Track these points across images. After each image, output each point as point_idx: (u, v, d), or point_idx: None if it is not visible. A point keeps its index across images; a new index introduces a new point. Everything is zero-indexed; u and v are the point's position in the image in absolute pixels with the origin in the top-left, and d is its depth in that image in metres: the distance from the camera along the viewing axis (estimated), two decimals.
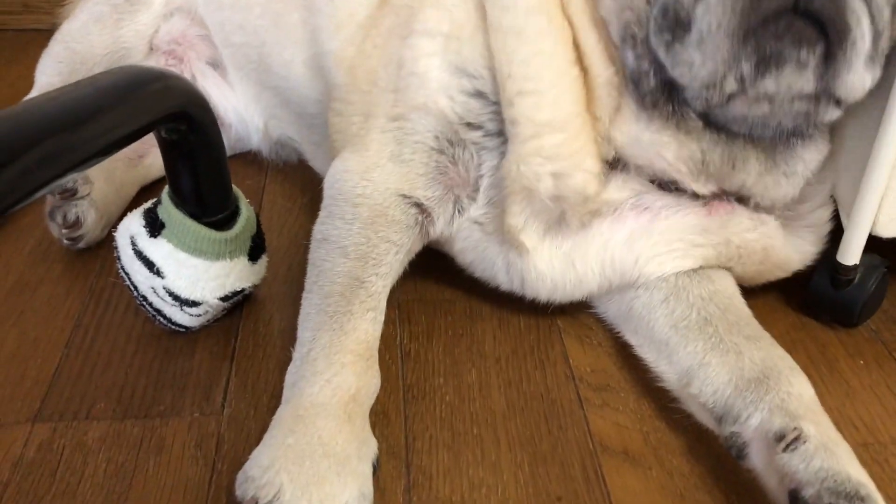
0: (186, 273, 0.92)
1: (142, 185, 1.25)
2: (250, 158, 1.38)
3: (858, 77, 0.80)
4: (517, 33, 0.88)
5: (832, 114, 0.85)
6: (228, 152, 1.32)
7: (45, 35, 1.38)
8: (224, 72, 1.29)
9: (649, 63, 0.85)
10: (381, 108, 0.99)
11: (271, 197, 1.29)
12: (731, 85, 0.80)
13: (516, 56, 0.88)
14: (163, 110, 0.78)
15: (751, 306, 0.99)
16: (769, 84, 0.79)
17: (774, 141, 0.88)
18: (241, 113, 1.30)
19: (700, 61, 0.79)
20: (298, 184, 1.31)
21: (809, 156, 0.91)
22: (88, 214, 1.10)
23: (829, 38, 0.77)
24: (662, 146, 0.88)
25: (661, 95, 0.86)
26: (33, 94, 1.30)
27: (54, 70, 1.28)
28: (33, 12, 1.82)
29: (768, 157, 0.89)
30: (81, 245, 1.12)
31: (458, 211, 0.97)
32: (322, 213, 0.97)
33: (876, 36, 0.80)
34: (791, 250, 0.98)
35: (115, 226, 0.99)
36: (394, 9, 1.04)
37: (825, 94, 0.81)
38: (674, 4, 0.81)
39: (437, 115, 0.94)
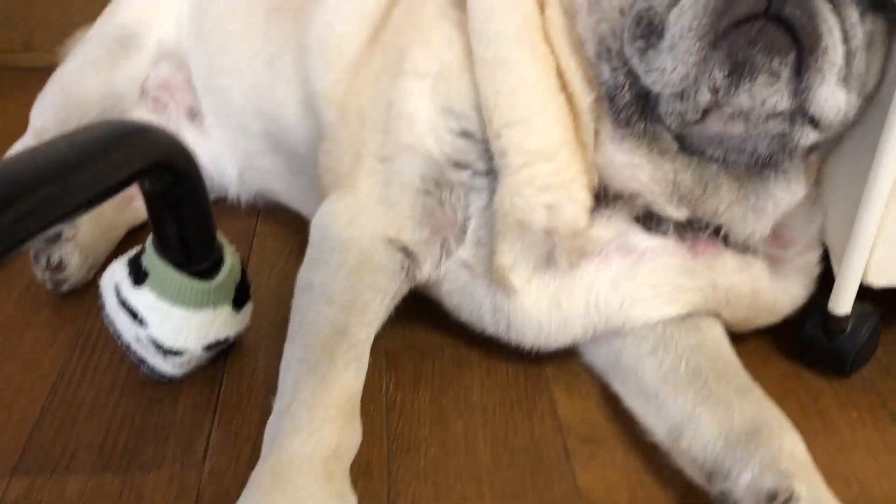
0: (169, 322, 0.91)
1: (130, 228, 1.24)
2: None
3: (831, 92, 0.80)
4: (502, 64, 0.89)
5: (808, 136, 0.84)
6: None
7: (44, 73, 1.39)
8: (201, 121, 1.29)
9: (625, 76, 0.85)
10: (370, 148, 0.99)
11: (262, 239, 1.29)
12: (704, 96, 0.80)
13: (503, 87, 0.89)
14: (144, 163, 0.78)
15: (742, 354, 0.98)
16: (743, 98, 0.79)
17: (749, 170, 0.88)
18: (216, 162, 1.30)
19: (672, 66, 0.80)
20: (291, 225, 1.30)
21: (781, 194, 0.91)
22: (72, 257, 1.09)
23: (801, 46, 0.77)
24: (636, 168, 0.88)
25: (636, 111, 0.86)
26: (27, 136, 1.31)
27: (49, 112, 1.29)
28: (33, 51, 1.84)
29: (741, 186, 0.89)
30: (66, 288, 1.11)
31: (446, 253, 0.97)
32: (307, 259, 0.97)
33: (849, 55, 0.80)
34: (780, 293, 0.97)
35: (102, 268, 0.99)
36: (383, 48, 1.04)
37: (800, 112, 0.81)
38: (647, 12, 0.82)
39: (425, 155, 0.94)
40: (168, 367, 0.96)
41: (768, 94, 0.79)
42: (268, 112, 1.21)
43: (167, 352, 0.94)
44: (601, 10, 0.86)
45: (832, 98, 0.80)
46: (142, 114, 1.29)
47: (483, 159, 0.92)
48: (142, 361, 0.96)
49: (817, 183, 0.97)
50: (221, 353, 1.02)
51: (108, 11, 1.35)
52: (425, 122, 0.93)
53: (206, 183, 1.28)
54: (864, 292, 0.97)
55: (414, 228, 0.94)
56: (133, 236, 1.25)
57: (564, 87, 0.89)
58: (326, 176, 1.06)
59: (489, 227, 0.93)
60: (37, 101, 1.32)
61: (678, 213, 0.90)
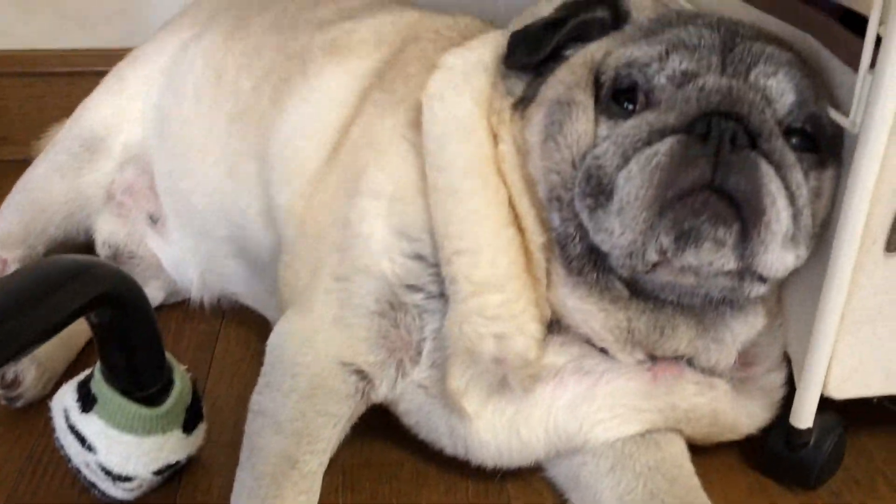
0: (118, 449, 0.90)
1: (90, 337, 1.23)
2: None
3: (777, 257, 0.80)
4: (452, 193, 0.90)
5: (758, 289, 0.84)
6: (172, 299, 1.33)
7: (21, 166, 1.39)
8: (163, 224, 1.29)
9: (575, 228, 0.85)
10: (327, 267, 0.99)
11: (225, 343, 1.27)
12: (652, 256, 0.80)
13: (452, 216, 0.89)
14: (87, 299, 0.77)
15: (707, 465, 0.97)
16: (691, 259, 0.79)
17: (705, 308, 0.88)
18: (178, 265, 1.29)
19: (619, 231, 0.80)
20: (255, 327, 1.29)
21: (738, 328, 0.90)
22: (28, 373, 1.08)
23: (744, 218, 0.78)
24: (588, 315, 0.87)
25: (588, 262, 0.86)
26: None
27: (14, 218, 1.28)
28: (11, 144, 1.84)
29: (698, 322, 0.89)
30: (21, 403, 1.09)
31: (402, 375, 0.96)
32: (260, 381, 0.95)
33: (796, 214, 0.81)
34: (741, 415, 0.96)
35: (61, 380, 0.97)
36: (341, 165, 1.05)
37: (748, 271, 0.81)
38: (597, 170, 0.82)
39: (379, 277, 0.94)
40: (118, 492, 0.94)
41: (714, 257, 0.79)
42: (230, 218, 1.21)
43: (116, 478, 0.92)
44: (552, 160, 0.86)
45: (778, 261, 0.81)
46: (107, 218, 1.30)
47: (436, 282, 0.92)
48: (92, 485, 0.95)
49: (779, 299, 0.97)
50: (177, 472, 1.00)
51: (76, 115, 1.36)
52: (380, 244, 0.93)
53: (168, 286, 1.31)
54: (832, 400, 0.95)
55: (369, 351, 0.93)
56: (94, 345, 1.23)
57: (517, 219, 0.89)
58: (285, 289, 1.06)
59: (443, 349, 0.92)
60: (2, 206, 1.32)
61: (631, 358, 0.90)
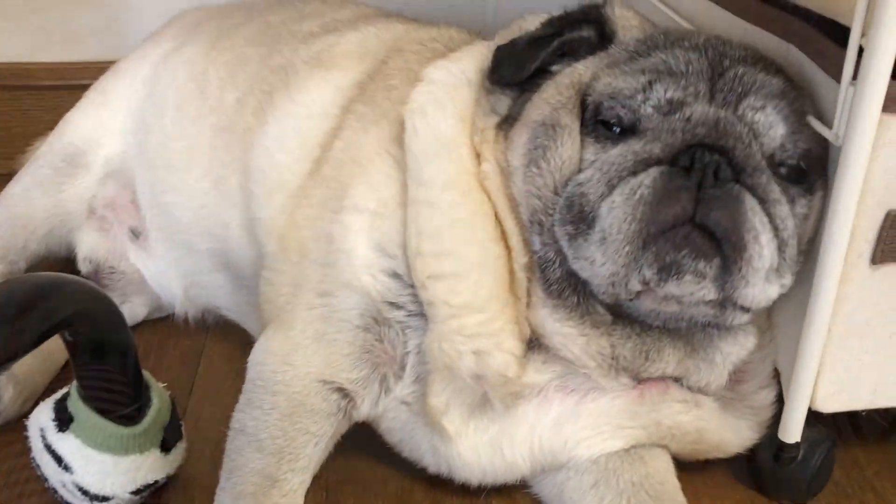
0: (95, 469, 0.89)
1: None
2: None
3: (759, 290, 0.79)
4: (428, 205, 0.88)
5: (740, 318, 0.83)
6: (156, 315, 1.32)
7: (7, 179, 1.38)
8: (145, 238, 1.28)
9: (555, 253, 0.84)
10: (310, 283, 0.97)
11: (209, 358, 1.26)
12: (634, 285, 0.79)
13: (426, 227, 0.87)
14: (60, 318, 0.76)
15: (697, 479, 0.95)
16: (673, 288, 0.79)
17: (691, 330, 0.87)
18: (161, 279, 1.28)
19: (601, 261, 0.79)
20: (240, 342, 1.27)
21: (728, 348, 0.89)
22: (6, 391, 1.06)
23: (725, 253, 0.77)
24: (568, 338, 0.86)
25: (567, 286, 0.85)
26: None
27: None
28: None
29: (686, 344, 0.88)
30: None
31: (385, 390, 0.94)
32: (241, 400, 0.94)
33: (781, 246, 0.80)
34: (729, 433, 0.95)
35: (40, 398, 0.96)
36: (325, 180, 1.03)
37: (729, 301, 0.80)
38: (580, 198, 0.81)
39: (362, 292, 0.93)
40: None
41: (695, 289, 0.79)
42: (214, 232, 1.19)
43: (93, 498, 0.90)
44: (534, 184, 0.85)
45: (761, 294, 0.80)
46: (88, 233, 1.28)
47: (415, 302, 0.90)
48: None
49: (768, 315, 0.96)
50: (156, 492, 0.98)
51: (58, 128, 1.35)
52: (361, 259, 0.92)
53: (151, 301, 1.30)
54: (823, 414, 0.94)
55: (352, 366, 0.92)
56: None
57: (504, 236, 0.88)
58: (266, 306, 1.04)
59: (426, 363, 0.90)
60: None
61: (615, 383, 0.89)
